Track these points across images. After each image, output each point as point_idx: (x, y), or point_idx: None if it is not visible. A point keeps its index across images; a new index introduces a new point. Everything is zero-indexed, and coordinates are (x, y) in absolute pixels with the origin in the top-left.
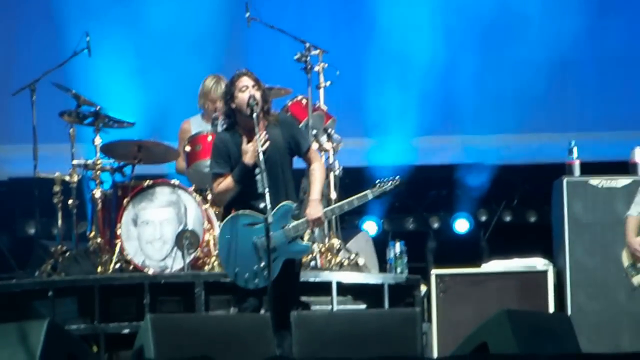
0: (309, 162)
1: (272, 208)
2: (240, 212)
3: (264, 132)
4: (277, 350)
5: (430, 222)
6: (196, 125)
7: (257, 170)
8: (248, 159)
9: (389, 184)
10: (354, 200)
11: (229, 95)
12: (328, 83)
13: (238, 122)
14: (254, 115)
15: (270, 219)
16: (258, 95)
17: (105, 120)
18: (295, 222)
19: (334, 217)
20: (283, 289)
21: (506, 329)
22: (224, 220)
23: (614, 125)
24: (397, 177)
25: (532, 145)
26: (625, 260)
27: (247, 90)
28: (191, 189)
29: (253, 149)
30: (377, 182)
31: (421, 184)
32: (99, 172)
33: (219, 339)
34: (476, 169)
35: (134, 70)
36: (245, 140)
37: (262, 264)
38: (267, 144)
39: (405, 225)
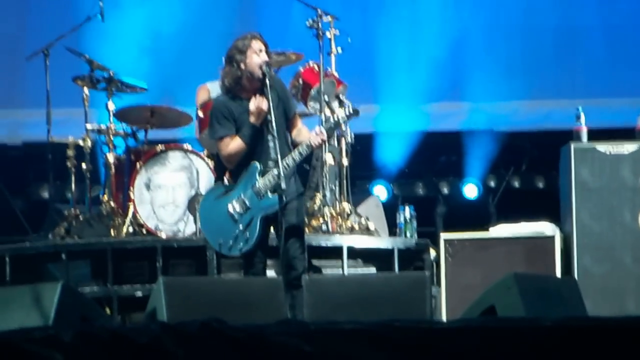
0: (294, 125)
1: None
2: (212, 187)
3: (269, 99)
4: (289, 313)
5: (439, 187)
6: (214, 90)
7: (269, 137)
8: (255, 119)
9: (341, 114)
10: (302, 148)
11: (241, 55)
12: (339, 49)
13: (242, 85)
14: (268, 83)
15: (283, 186)
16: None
17: (119, 85)
18: (261, 179)
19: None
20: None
21: (514, 293)
22: (192, 198)
23: (622, 92)
24: (351, 107)
25: (540, 111)
26: None
27: (261, 54)
28: (203, 153)
29: (259, 110)
30: (329, 117)
31: (431, 149)
32: (112, 136)
33: (230, 301)
34: (485, 135)
35: (146, 35)
36: (252, 102)
37: (241, 227)
38: (270, 108)
39: (415, 190)
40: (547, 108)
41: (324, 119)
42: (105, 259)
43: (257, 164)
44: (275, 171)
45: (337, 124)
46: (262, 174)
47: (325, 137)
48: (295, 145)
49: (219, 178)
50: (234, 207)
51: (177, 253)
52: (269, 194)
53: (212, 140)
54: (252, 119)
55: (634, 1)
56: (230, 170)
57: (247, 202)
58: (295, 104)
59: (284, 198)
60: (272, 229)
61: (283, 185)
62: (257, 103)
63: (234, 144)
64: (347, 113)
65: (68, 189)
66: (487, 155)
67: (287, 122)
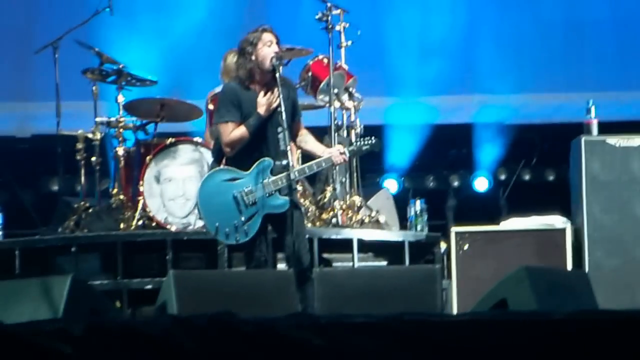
0: (298, 129)
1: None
2: (218, 168)
3: (279, 91)
4: (300, 306)
5: (450, 180)
6: None
7: (279, 129)
8: (264, 111)
9: (366, 142)
10: (322, 161)
11: (252, 47)
12: (349, 42)
13: (253, 77)
14: (277, 74)
15: (293, 176)
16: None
17: (128, 78)
18: (273, 177)
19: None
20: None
21: (525, 286)
22: (204, 177)
23: (632, 84)
24: (374, 137)
25: (550, 104)
26: None
27: (272, 46)
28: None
29: (269, 103)
30: (354, 141)
31: (441, 142)
32: (121, 129)
33: (241, 295)
34: (495, 128)
35: (156, 28)
36: (261, 93)
37: (243, 218)
38: (280, 101)
39: (425, 183)
40: (558, 101)
41: (334, 117)
42: (115, 252)
43: (271, 160)
44: (286, 172)
45: (360, 151)
46: (274, 171)
47: (347, 159)
48: (303, 152)
49: (214, 162)
50: (241, 197)
51: (187, 246)
52: (278, 194)
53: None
54: (260, 110)
55: None
56: (227, 159)
57: (255, 196)
58: (300, 110)
59: (292, 197)
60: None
61: (292, 176)
62: (267, 96)
63: (237, 131)
64: (371, 143)
65: (77, 182)
66: (498, 148)
67: (292, 122)
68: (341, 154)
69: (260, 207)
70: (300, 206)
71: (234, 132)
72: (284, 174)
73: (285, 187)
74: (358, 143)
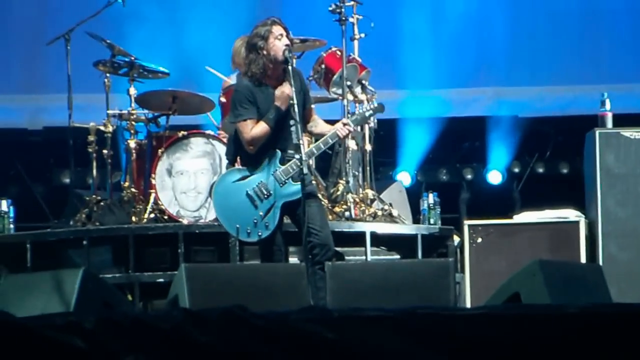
0: (309, 116)
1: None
2: (228, 170)
3: (292, 84)
4: (313, 298)
5: (463, 173)
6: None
7: (291, 122)
8: (281, 103)
9: (368, 108)
10: (328, 138)
11: (264, 41)
12: (362, 35)
13: (266, 72)
14: (290, 67)
15: (305, 171)
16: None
17: (140, 70)
18: (283, 167)
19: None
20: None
21: (538, 280)
22: (213, 184)
23: None
24: (376, 102)
25: (564, 97)
26: None
27: (283, 39)
28: (226, 139)
29: (286, 95)
30: (355, 111)
31: (455, 135)
32: (133, 122)
33: (253, 288)
34: (509, 120)
35: (168, 19)
36: (278, 87)
37: (261, 213)
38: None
39: (438, 177)
40: (572, 94)
41: (348, 110)
42: (126, 245)
43: (279, 151)
44: (297, 160)
45: (364, 118)
46: (284, 161)
47: (352, 129)
48: (314, 136)
49: (229, 164)
50: (255, 192)
51: (199, 239)
52: (291, 181)
53: (232, 125)
54: (278, 103)
55: None
56: (241, 157)
57: (268, 188)
58: (311, 98)
59: (305, 185)
60: (286, 216)
61: (305, 170)
62: (283, 88)
63: (258, 128)
64: (373, 107)
65: (89, 174)
66: (511, 141)
67: (304, 111)
68: (345, 124)
69: (277, 198)
70: (317, 196)
71: (255, 129)
72: (294, 160)
73: (297, 174)
74: (360, 110)
